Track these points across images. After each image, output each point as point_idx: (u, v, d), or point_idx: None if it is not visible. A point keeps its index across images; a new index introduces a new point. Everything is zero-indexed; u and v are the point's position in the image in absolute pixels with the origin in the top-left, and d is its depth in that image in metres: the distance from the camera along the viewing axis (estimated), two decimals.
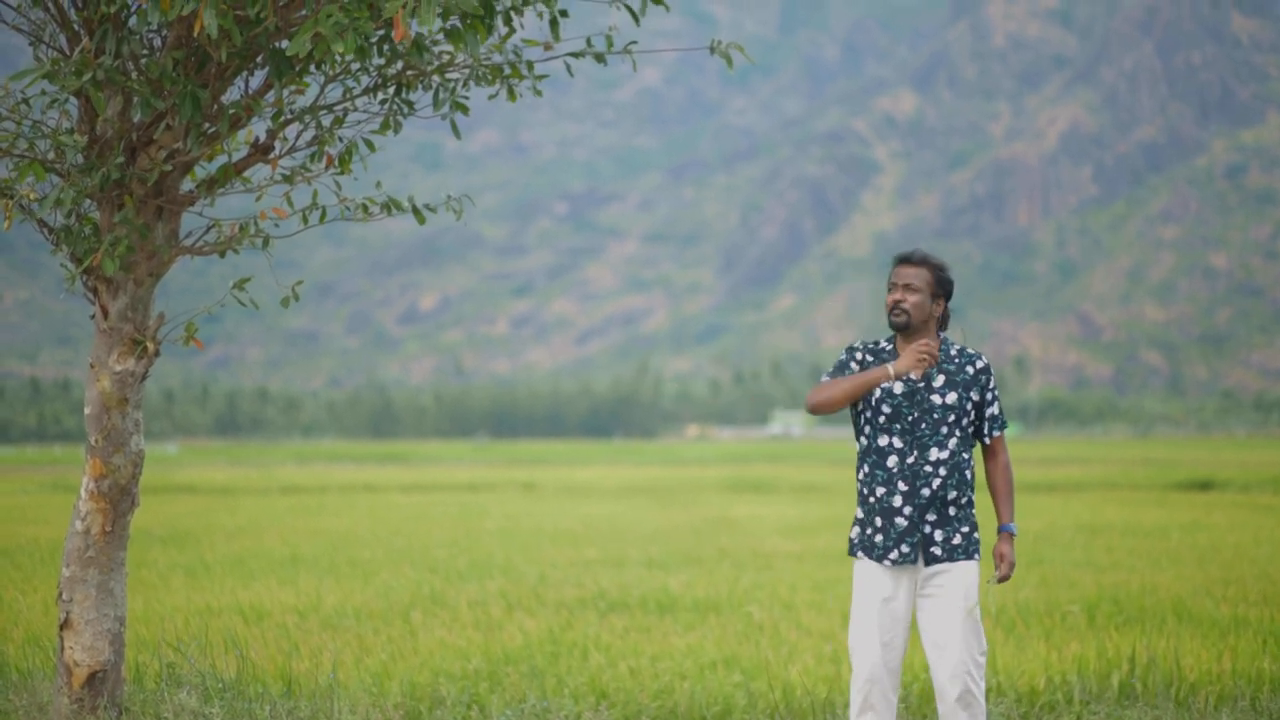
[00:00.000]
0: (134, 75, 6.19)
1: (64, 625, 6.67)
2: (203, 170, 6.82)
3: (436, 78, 6.74)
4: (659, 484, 43.57)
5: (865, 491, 6.02)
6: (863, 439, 6.05)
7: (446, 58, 6.69)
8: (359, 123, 6.88)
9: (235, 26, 5.58)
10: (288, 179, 6.94)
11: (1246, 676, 8.40)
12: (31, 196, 6.55)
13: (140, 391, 6.68)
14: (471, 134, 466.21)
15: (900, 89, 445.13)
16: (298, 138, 6.83)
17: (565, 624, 11.11)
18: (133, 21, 6.21)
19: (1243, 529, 21.17)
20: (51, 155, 6.43)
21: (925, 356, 5.90)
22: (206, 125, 6.42)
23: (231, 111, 6.34)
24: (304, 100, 6.81)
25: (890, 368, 5.93)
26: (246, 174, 6.95)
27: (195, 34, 5.70)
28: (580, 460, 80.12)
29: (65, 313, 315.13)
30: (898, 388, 5.98)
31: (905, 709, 7.97)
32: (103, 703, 6.70)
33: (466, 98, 6.80)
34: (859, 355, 6.08)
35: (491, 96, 6.91)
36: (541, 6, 6.35)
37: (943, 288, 6.07)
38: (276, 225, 6.94)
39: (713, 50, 6.37)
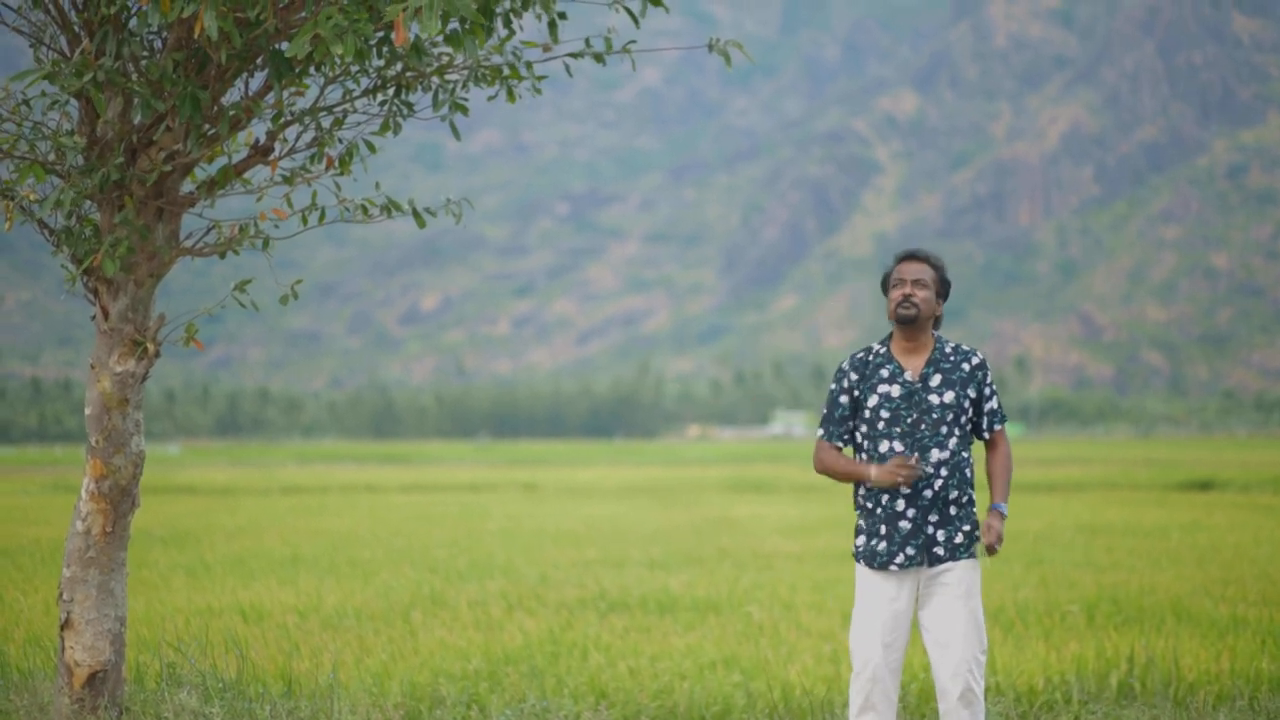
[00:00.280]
0: (134, 77, 6.20)
1: (65, 625, 6.69)
2: (203, 171, 6.84)
3: (436, 79, 6.75)
4: (660, 484, 43.58)
5: (867, 501, 6.03)
6: (862, 453, 6.05)
7: (446, 59, 6.71)
8: (359, 124, 6.89)
9: (235, 28, 5.60)
10: (288, 180, 6.95)
11: (1245, 676, 8.41)
12: (32, 198, 6.57)
13: (141, 392, 6.70)
14: (473, 134, 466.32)
15: (901, 89, 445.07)
16: (297, 139, 6.85)
17: (565, 624, 11.12)
18: (133, 23, 6.22)
19: (1243, 529, 21.17)
20: (52, 157, 6.44)
21: (901, 479, 5.87)
22: (206, 127, 6.44)
23: (231, 113, 6.36)
24: (304, 102, 6.82)
25: (871, 472, 5.91)
26: (246, 175, 6.96)
27: (195, 36, 5.72)
28: (581, 460, 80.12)
29: (66, 313, 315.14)
30: (895, 391, 5.98)
31: (904, 708, 7.98)
32: (103, 702, 6.72)
33: (466, 99, 6.82)
34: (848, 380, 6.08)
35: (491, 98, 6.92)
36: (540, 9, 6.36)
37: (944, 287, 6.12)
38: (276, 226, 6.95)
39: (711, 48, 6.38)
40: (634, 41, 6.52)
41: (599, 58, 6.59)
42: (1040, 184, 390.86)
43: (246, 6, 5.73)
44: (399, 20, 4.93)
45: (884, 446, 5.96)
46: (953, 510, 5.95)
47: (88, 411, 6.64)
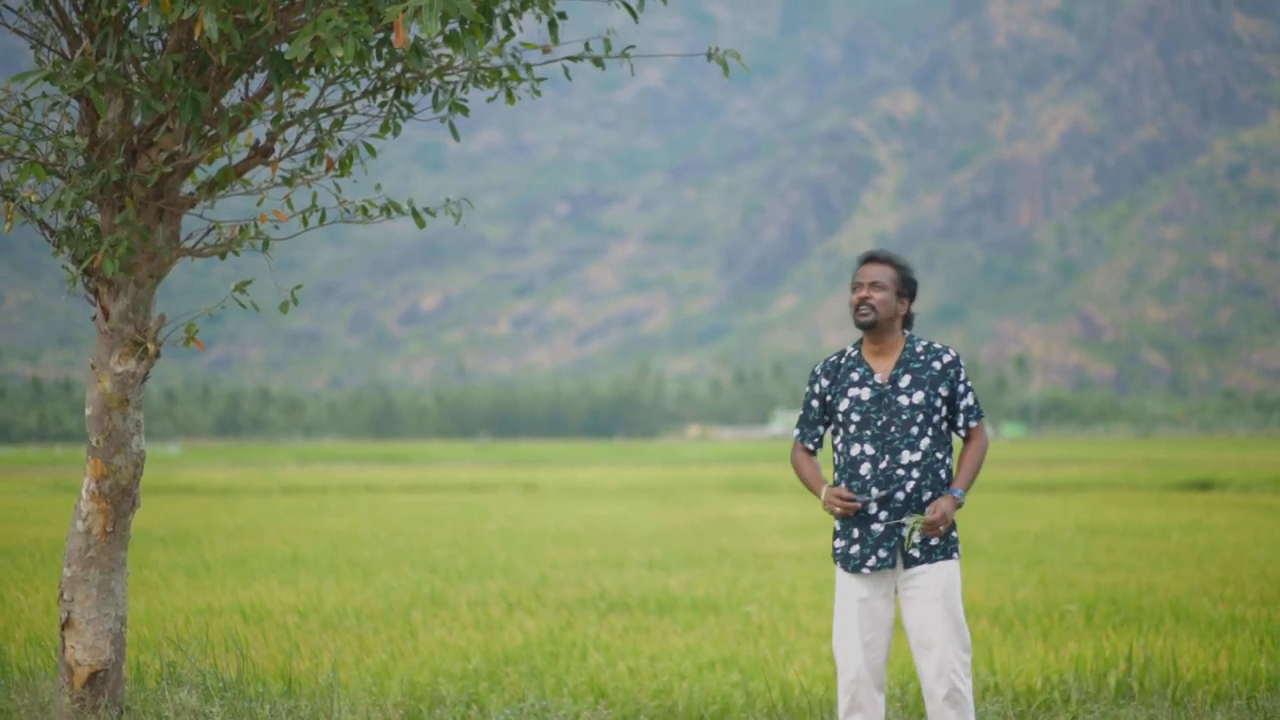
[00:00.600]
0: (135, 78, 6.22)
1: (65, 625, 6.70)
2: (203, 173, 6.85)
3: (436, 80, 6.77)
4: (660, 484, 43.60)
5: None
6: (837, 456, 6.08)
7: (445, 61, 6.72)
8: (358, 125, 6.91)
9: (235, 30, 5.62)
10: (288, 181, 6.97)
11: (1243, 675, 8.43)
12: (33, 198, 6.58)
13: (141, 392, 6.72)
14: (473, 134, 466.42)
15: (901, 89, 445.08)
16: (297, 140, 6.87)
17: (565, 624, 11.14)
18: (133, 25, 6.24)
19: (1242, 529, 21.19)
20: (53, 157, 6.46)
21: (837, 511, 5.90)
22: (207, 128, 6.46)
23: (232, 114, 6.38)
24: (304, 103, 6.84)
25: (822, 495, 5.97)
26: (247, 176, 6.98)
27: (196, 37, 5.73)
28: (581, 461, 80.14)
29: (67, 314, 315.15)
30: (865, 394, 5.99)
31: (902, 708, 8.00)
32: (104, 702, 6.73)
33: (465, 100, 6.84)
34: (819, 385, 6.12)
35: (490, 99, 6.94)
36: (539, 10, 6.38)
37: (907, 287, 6.08)
38: (277, 227, 6.97)
39: (710, 57, 6.40)
40: (633, 46, 6.54)
41: (598, 62, 6.61)
42: (1040, 184, 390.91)
43: (246, 8, 5.75)
44: (399, 22, 4.95)
45: (855, 450, 5.97)
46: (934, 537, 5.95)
47: (88, 412, 6.66)
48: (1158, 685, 8.26)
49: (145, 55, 6.29)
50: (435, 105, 6.77)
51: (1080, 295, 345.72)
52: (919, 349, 6.06)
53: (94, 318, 6.69)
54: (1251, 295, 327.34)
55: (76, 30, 6.36)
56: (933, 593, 5.92)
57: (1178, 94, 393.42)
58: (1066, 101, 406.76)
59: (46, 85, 6.26)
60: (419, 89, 6.80)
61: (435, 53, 6.70)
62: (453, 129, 6.78)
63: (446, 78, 6.78)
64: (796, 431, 6.19)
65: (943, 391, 6.00)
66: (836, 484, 6.01)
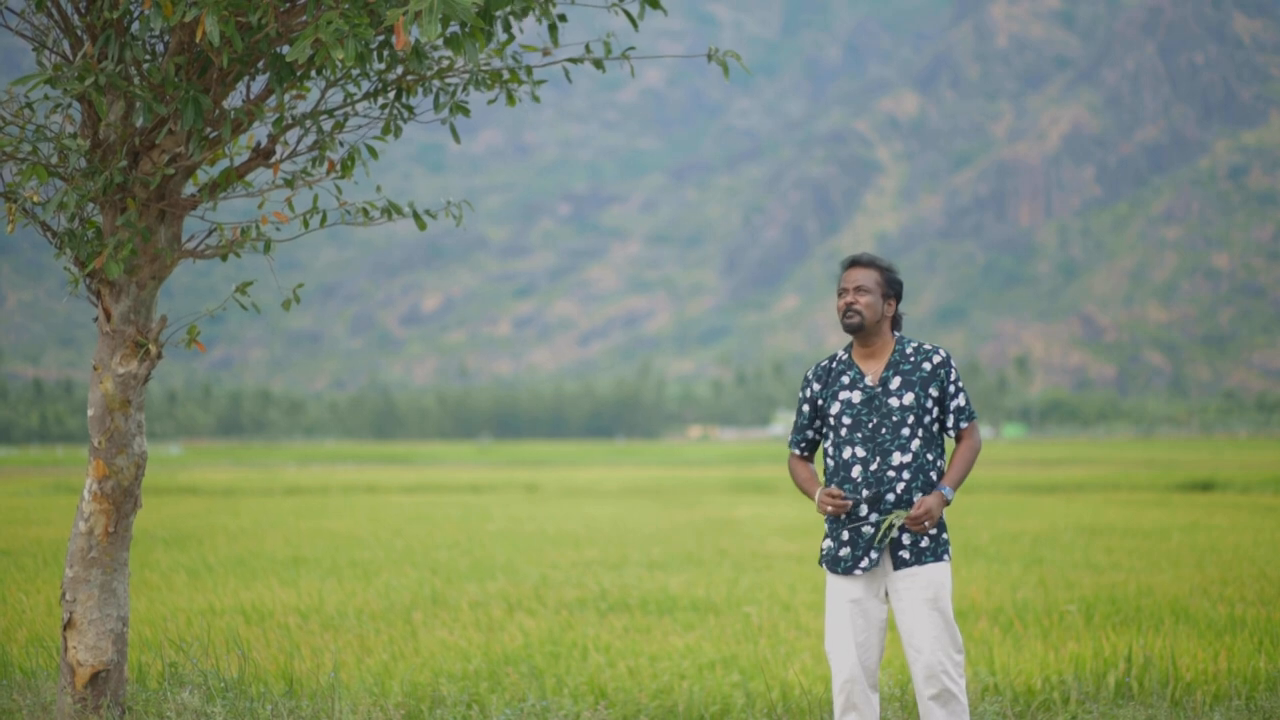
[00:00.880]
0: (136, 80, 6.24)
1: (67, 625, 6.72)
2: (205, 174, 6.88)
3: (436, 82, 6.79)
4: (661, 485, 43.62)
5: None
6: (828, 460, 6.09)
7: (446, 63, 6.75)
8: (359, 127, 6.93)
9: (236, 33, 5.64)
10: (289, 183, 6.99)
11: (1242, 676, 8.44)
12: (35, 200, 6.60)
13: (143, 394, 6.74)
14: (475, 135, 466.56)
15: (903, 90, 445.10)
16: (299, 142, 6.89)
17: (566, 624, 11.16)
18: (135, 27, 6.26)
19: (1243, 530, 21.19)
20: (55, 159, 6.48)
21: (829, 510, 5.92)
22: (208, 130, 6.48)
23: (233, 116, 6.40)
24: (305, 105, 6.86)
25: (815, 496, 6.01)
26: (248, 178, 7.01)
27: (197, 40, 5.75)
28: (582, 461, 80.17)
29: (68, 314, 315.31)
30: (856, 396, 6.01)
31: (901, 708, 8.02)
32: (106, 702, 6.75)
33: (466, 102, 6.86)
34: (810, 389, 6.15)
35: (491, 101, 6.96)
36: (539, 13, 6.40)
37: (893, 288, 6.10)
38: (278, 229, 7.00)
39: (710, 58, 6.42)
40: (633, 48, 6.56)
41: (598, 64, 6.63)
42: (1041, 184, 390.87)
43: (248, 11, 5.77)
44: (399, 25, 4.97)
45: (846, 453, 5.99)
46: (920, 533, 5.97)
47: (90, 413, 6.68)
48: (1157, 685, 8.28)
49: (147, 58, 6.31)
50: (436, 107, 6.80)
51: (1081, 296, 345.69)
52: (909, 350, 6.08)
53: (96, 319, 6.71)
54: (1253, 296, 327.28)
55: (78, 33, 6.38)
56: (922, 595, 5.94)
57: (1179, 94, 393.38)
58: (1068, 102, 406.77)
59: (48, 87, 6.28)
60: (420, 91, 6.82)
61: (436, 55, 6.72)
62: (453, 131, 6.81)
63: (447, 80, 6.81)
64: (790, 438, 6.24)
65: (933, 393, 6.01)
66: (828, 486, 6.03)
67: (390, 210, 7.09)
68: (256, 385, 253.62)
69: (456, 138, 6.67)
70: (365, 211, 7.09)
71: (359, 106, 6.89)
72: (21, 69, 7.32)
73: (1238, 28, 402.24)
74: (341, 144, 6.96)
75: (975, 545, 18.47)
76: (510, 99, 6.81)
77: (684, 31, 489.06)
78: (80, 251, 6.61)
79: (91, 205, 6.66)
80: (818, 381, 6.12)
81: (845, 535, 5.97)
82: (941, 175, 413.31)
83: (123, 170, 6.41)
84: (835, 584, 6.04)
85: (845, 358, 6.13)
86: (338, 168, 6.97)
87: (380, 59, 6.57)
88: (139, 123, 6.44)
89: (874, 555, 5.92)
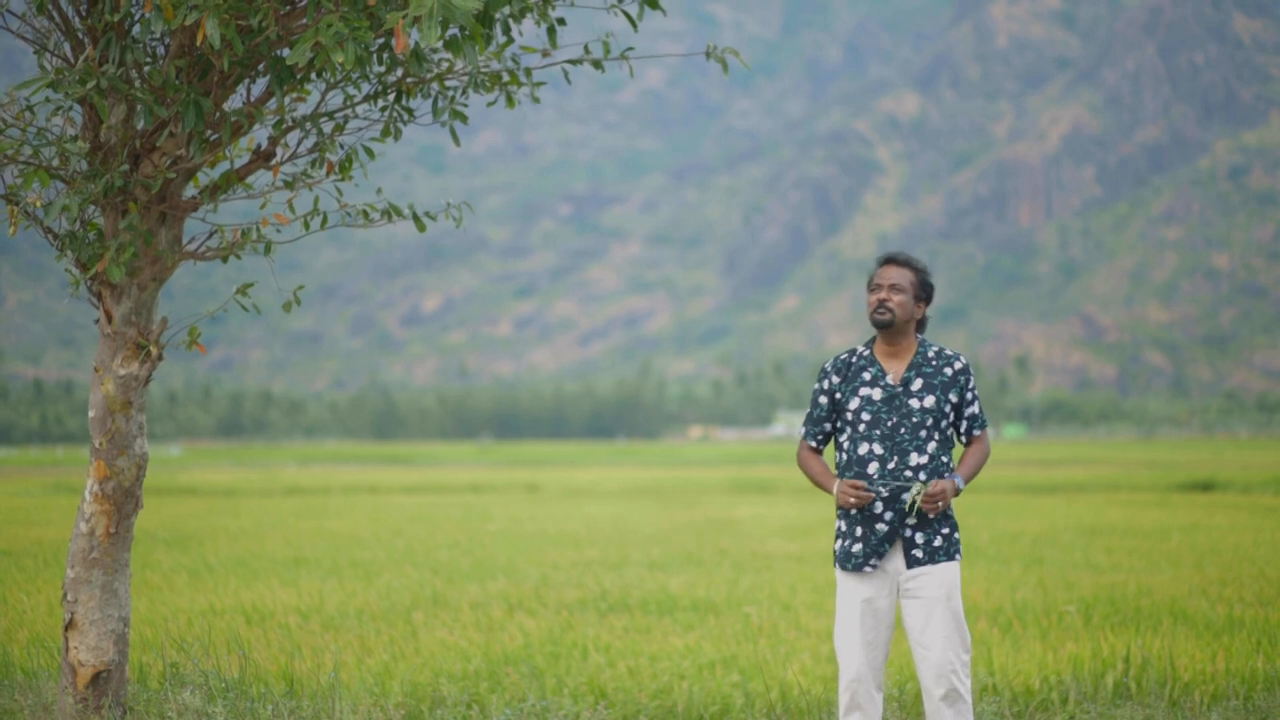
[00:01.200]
0: (137, 83, 6.26)
1: (69, 626, 6.74)
2: (205, 176, 6.90)
3: (436, 85, 6.81)
4: (661, 485, 43.64)
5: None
6: (842, 454, 6.10)
7: (446, 65, 6.77)
8: (359, 130, 6.95)
9: (237, 36, 5.66)
10: (289, 185, 7.01)
11: (1240, 676, 8.47)
12: (37, 203, 6.63)
13: (144, 395, 6.76)
14: (475, 136, 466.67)
15: (903, 90, 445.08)
16: (299, 144, 6.91)
17: (566, 625, 11.18)
18: (136, 30, 6.29)
19: (1243, 530, 21.20)
20: (56, 162, 6.50)
21: (851, 502, 5.93)
22: (209, 132, 6.50)
23: (234, 119, 6.42)
24: (305, 107, 6.88)
25: (833, 488, 6.00)
26: (248, 180, 7.03)
27: (198, 43, 5.77)
28: (583, 462, 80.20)
29: (68, 315, 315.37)
30: (876, 394, 6.02)
31: (900, 707, 8.04)
32: (107, 702, 6.77)
33: (465, 105, 6.88)
34: (829, 382, 6.14)
35: (490, 103, 6.98)
36: (538, 17, 6.42)
37: (925, 291, 6.14)
38: (278, 231, 7.02)
39: (709, 56, 6.44)
40: (632, 48, 6.58)
41: (597, 64, 6.65)
42: (1042, 185, 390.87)
43: (248, 14, 5.79)
44: (399, 28, 4.99)
45: (863, 449, 6.00)
46: (930, 513, 6.00)
47: (91, 414, 6.70)
48: (1155, 685, 8.31)
49: (148, 61, 6.33)
50: (435, 112, 6.82)
51: (1082, 296, 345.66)
52: (930, 354, 6.11)
53: (97, 321, 6.73)
54: (1253, 296, 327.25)
55: (80, 36, 6.40)
56: (935, 593, 5.97)
57: (1179, 95, 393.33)
58: (1068, 102, 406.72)
59: (50, 90, 6.30)
60: (419, 93, 6.84)
61: (435, 57, 6.75)
62: (453, 134, 6.82)
63: (447, 82, 6.83)
64: (802, 430, 6.23)
65: (952, 398, 6.05)
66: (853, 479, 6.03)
67: (390, 212, 7.11)
68: (257, 386, 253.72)
69: (456, 140, 6.69)
70: (365, 213, 7.12)
71: (359, 109, 6.91)
72: (22, 71, 7.34)
73: (1238, 28, 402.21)
74: (341, 146, 6.98)
75: (975, 545, 18.49)
76: (510, 101, 6.83)
77: (684, 32, 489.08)
78: (82, 254, 6.63)
79: (93, 208, 6.68)
80: (837, 374, 6.13)
81: (859, 532, 5.99)
82: (942, 175, 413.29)
83: (124, 173, 6.44)
84: (847, 582, 6.05)
85: (867, 354, 6.14)
86: (337, 170, 6.99)
87: (380, 62, 6.59)
88: (140, 125, 6.46)
89: (886, 554, 5.95)
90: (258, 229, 6.97)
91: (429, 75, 6.72)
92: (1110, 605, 11.82)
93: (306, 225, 7.08)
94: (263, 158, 6.84)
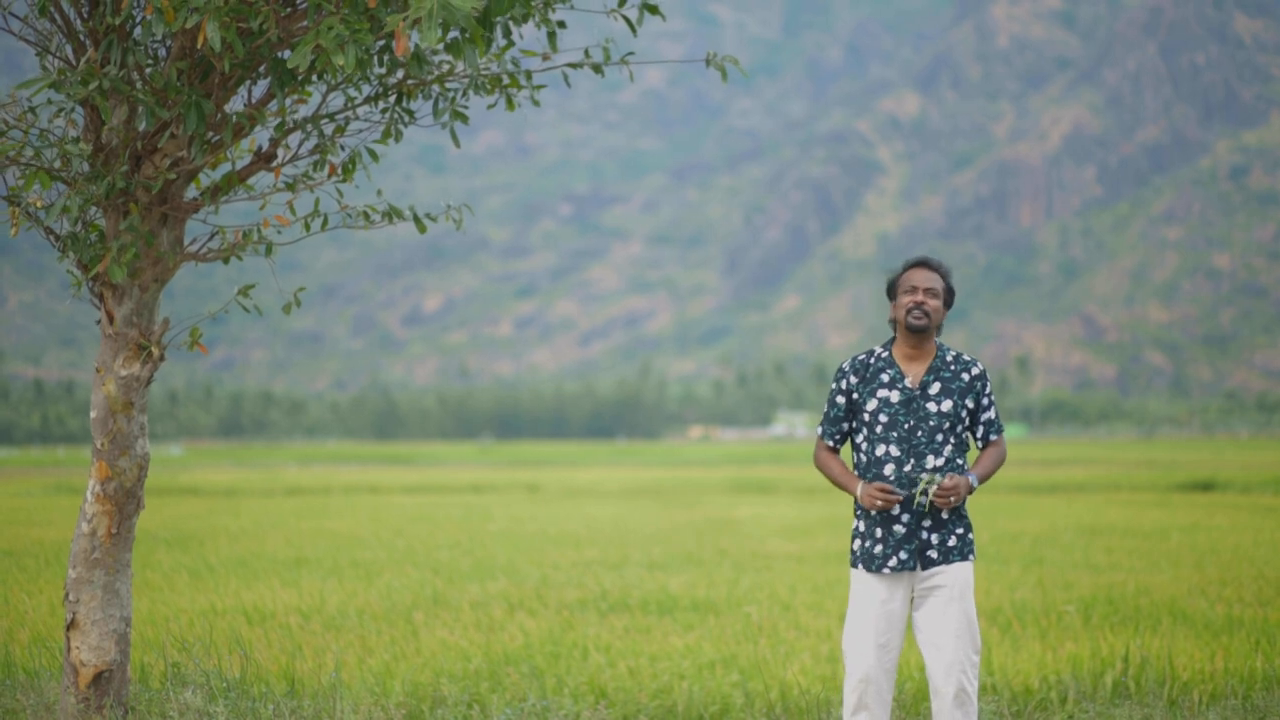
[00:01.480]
0: (139, 85, 6.28)
1: (70, 625, 6.77)
2: (207, 178, 6.92)
3: (436, 87, 6.83)
4: (662, 485, 43.66)
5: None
6: (860, 455, 6.12)
7: (446, 68, 6.79)
8: (360, 131, 6.97)
9: (238, 38, 5.68)
10: (290, 187, 7.03)
11: (1239, 675, 8.49)
12: (38, 204, 6.65)
13: (145, 396, 6.78)
14: (476, 136, 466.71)
15: (904, 90, 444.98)
16: (300, 146, 6.93)
17: (566, 624, 11.20)
18: (137, 32, 6.30)
19: (1242, 530, 21.22)
20: (58, 163, 6.52)
21: (879, 505, 5.94)
22: (210, 134, 6.52)
23: (235, 121, 6.44)
24: (306, 109, 6.91)
25: (858, 489, 6.00)
26: (250, 181, 7.05)
27: (199, 45, 5.79)
28: (584, 462, 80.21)
29: (69, 315, 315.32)
30: (895, 397, 6.05)
31: (899, 707, 8.06)
32: (109, 702, 6.79)
33: (466, 107, 6.90)
34: (847, 382, 6.15)
35: (491, 106, 7.00)
36: (539, 20, 6.44)
37: (949, 296, 6.21)
38: (279, 232, 7.04)
39: (709, 63, 6.46)
40: (632, 53, 6.59)
41: (598, 69, 6.67)
42: (1042, 185, 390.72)
43: (249, 16, 5.81)
44: (399, 30, 5.00)
45: (880, 450, 6.03)
46: (945, 514, 6.03)
47: (93, 415, 6.72)
48: (1154, 685, 8.33)
49: (149, 63, 6.35)
50: (436, 112, 6.83)
51: (1082, 296, 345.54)
52: (949, 358, 6.15)
53: (98, 322, 6.75)
54: (1254, 296, 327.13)
55: (81, 38, 6.42)
56: (950, 593, 6.01)
57: (1180, 95, 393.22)
58: (1069, 102, 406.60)
59: (51, 92, 6.32)
60: (420, 95, 6.86)
61: (436, 60, 6.77)
62: (454, 136, 6.84)
63: (447, 85, 6.84)
64: (819, 430, 6.25)
65: (969, 404, 6.10)
66: (869, 480, 6.06)
67: (391, 214, 7.13)
68: (258, 386, 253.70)
69: (457, 142, 6.70)
70: (366, 215, 7.14)
71: (360, 111, 6.93)
72: (24, 72, 7.36)
73: (1239, 28, 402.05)
74: (342, 148, 7.00)
75: (975, 545, 18.50)
76: (510, 104, 6.85)
77: (685, 32, 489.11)
78: (83, 255, 6.65)
79: (94, 209, 6.70)
80: (855, 375, 6.15)
81: (878, 533, 6.02)
82: (942, 175, 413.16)
83: (125, 174, 6.46)
84: (863, 583, 6.07)
85: (885, 355, 6.16)
86: (339, 171, 7.01)
87: (381, 64, 6.61)
88: (141, 127, 6.48)
89: (904, 555, 5.97)
90: (259, 230, 6.99)
91: (430, 78, 6.74)
92: (1109, 605, 11.84)
93: (307, 227, 7.10)
94: (264, 159, 6.86)
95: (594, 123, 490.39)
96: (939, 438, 5.99)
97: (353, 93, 6.84)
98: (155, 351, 6.69)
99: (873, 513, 6.03)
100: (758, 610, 12.05)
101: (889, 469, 6.00)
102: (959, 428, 6.06)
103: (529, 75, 6.80)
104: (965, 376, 6.11)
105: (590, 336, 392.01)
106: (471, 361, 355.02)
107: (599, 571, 15.80)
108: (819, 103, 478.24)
